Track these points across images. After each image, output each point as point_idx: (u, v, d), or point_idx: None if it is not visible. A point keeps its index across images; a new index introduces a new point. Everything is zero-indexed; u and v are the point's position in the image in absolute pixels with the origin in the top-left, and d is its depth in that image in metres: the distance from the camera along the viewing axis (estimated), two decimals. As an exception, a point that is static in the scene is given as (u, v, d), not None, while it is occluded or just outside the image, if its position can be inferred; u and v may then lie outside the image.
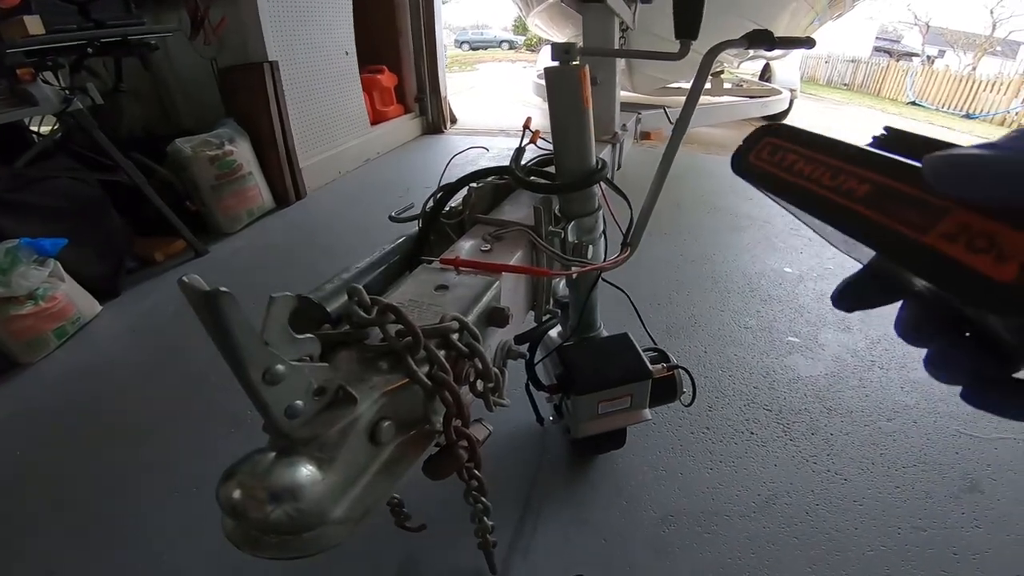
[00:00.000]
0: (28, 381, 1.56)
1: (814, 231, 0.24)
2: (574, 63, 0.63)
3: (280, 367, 0.31)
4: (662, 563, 1.06)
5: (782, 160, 0.23)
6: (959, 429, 1.36)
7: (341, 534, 0.34)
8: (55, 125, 2.01)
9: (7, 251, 1.52)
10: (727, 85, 4.50)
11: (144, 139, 2.47)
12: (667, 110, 3.45)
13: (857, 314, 1.87)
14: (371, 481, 0.37)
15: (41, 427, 1.40)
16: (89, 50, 1.89)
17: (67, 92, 1.82)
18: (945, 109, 8.50)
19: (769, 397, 1.49)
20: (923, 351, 0.22)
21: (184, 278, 0.27)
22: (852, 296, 0.24)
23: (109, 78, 2.36)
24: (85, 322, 1.79)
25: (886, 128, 0.22)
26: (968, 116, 8.26)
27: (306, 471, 0.32)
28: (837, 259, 2.30)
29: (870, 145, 0.21)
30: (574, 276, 0.75)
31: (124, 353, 1.71)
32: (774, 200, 0.24)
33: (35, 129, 2.09)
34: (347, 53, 3.35)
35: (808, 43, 0.85)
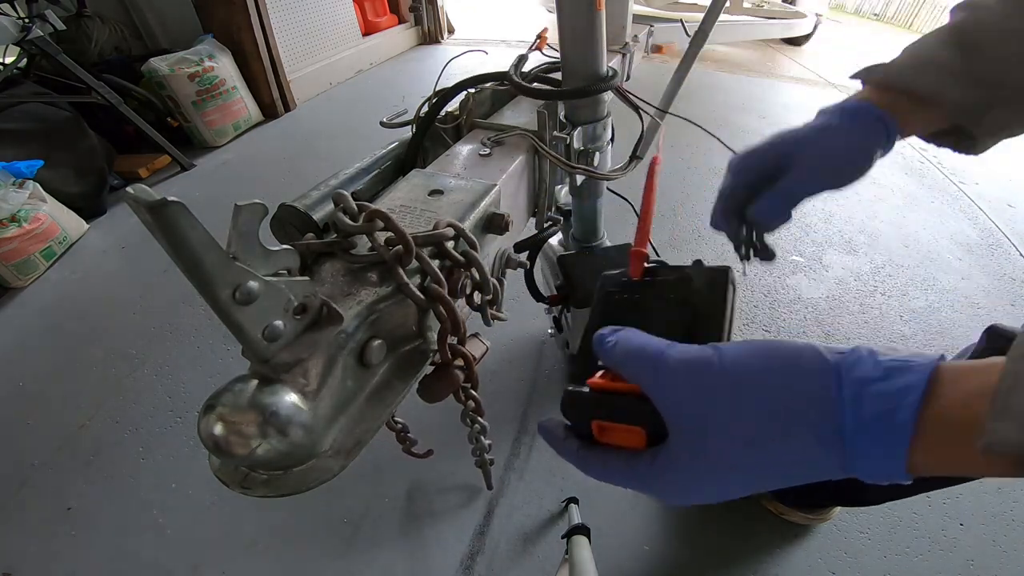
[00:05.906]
0: (21, 304, 1.55)
1: None
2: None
3: (252, 284, 0.27)
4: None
5: None
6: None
7: (333, 468, 0.32)
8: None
9: (-18, 175, 1.46)
10: (747, 4, 4.17)
11: (117, 61, 2.36)
12: (685, 24, 3.20)
13: (863, 237, 1.83)
14: (362, 408, 0.34)
15: (35, 350, 1.40)
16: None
17: (25, 20, 1.75)
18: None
19: (769, 317, 1.48)
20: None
21: (129, 189, 0.22)
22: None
23: (71, 3, 2.25)
24: (72, 241, 1.75)
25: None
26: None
27: (291, 400, 0.29)
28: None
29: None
30: (579, 183, 0.71)
31: (115, 270, 1.68)
32: None
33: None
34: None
35: None
